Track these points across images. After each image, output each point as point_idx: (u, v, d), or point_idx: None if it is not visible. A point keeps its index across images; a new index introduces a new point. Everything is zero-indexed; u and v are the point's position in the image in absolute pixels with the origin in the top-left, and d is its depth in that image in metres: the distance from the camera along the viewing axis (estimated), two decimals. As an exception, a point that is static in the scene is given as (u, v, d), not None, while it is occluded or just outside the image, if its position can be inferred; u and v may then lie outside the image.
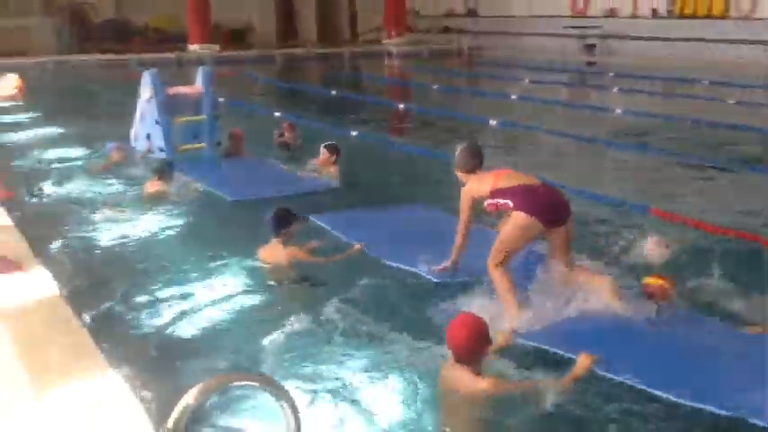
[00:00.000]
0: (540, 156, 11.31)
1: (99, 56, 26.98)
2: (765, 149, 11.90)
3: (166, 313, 5.51)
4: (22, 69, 18.27)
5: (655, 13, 27.51)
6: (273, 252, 6.03)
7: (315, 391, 4.32)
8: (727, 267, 5.91)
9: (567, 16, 29.89)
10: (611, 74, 22.16)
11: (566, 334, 4.94)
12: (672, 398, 4.19)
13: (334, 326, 5.11)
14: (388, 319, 5.16)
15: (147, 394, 4.21)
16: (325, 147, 9.52)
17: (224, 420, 4.01)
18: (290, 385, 4.19)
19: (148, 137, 10.61)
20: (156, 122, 10.40)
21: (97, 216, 7.86)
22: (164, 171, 8.72)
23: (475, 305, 5.17)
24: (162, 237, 7.38)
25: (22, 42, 26.52)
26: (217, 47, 28.46)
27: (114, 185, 9.24)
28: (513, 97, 17.73)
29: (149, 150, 10.53)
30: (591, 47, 28.14)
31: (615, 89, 19.01)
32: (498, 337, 4.58)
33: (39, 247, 6.75)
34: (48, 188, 9.20)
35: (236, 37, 33.07)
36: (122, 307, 5.58)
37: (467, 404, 3.88)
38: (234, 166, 10.30)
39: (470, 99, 19.32)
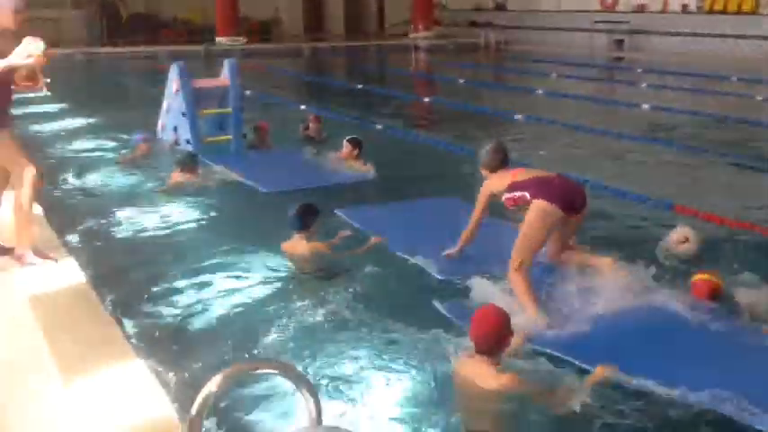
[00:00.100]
0: (564, 151, 11.25)
1: (128, 48, 27.25)
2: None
3: (189, 302, 5.59)
4: (53, 61, 18.48)
5: (685, 9, 27.24)
6: (296, 245, 6.08)
7: (331, 378, 4.39)
8: (752, 265, 5.85)
9: (597, 11, 29.68)
10: (639, 69, 21.97)
11: (579, 342, 4.84)
12: (690, 400, 4.10)
13: (347, 318, 5.18)
14: (401, 313, 5.19)
15: (170, 380, 4.30)
16: (348, 140, 9.56)
17: (242, 408, 4.07)
18: (307, 374, 4.27)
19: (175, 129, 10.73)
20: (183, 114, 10.51)
21: (124, 206, 7.96)
22: (188, 162, 8.82)
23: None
24: (187, 227, 7.45)
25: (53, 34, 26.81)
26: (244, 39, 28.62)
27: (141, 176, 9.34)
28: (540, 92, 17.65)
29: (176, 142, 10.65)
30: (619, 42, 27.92)
31: (643, 85, 18.86)
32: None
33: (66, 237, 6.89)
34: (75, 178, 9.33)
35: (264, 30, 33.25)
36: (146, 295, 5.66)
37: (483, 397, 3.89)
38: (260, 158, 10.38)
39: (497, 93, 19.24)
